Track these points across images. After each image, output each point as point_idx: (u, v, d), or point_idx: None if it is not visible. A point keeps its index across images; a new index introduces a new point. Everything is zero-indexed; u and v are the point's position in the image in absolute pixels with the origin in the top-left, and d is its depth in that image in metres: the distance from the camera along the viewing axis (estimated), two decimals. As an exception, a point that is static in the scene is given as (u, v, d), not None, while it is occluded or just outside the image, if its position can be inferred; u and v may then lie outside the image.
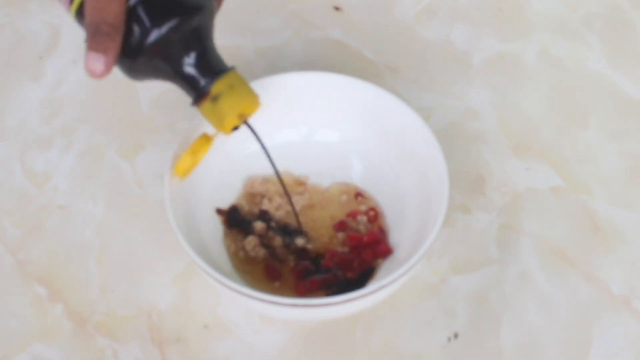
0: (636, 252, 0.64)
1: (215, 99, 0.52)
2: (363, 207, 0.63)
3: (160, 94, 0.72)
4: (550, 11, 0.79)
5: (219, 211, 0.62)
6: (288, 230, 0.61)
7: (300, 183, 0.64)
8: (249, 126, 0.55)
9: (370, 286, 0.53)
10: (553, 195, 0.66)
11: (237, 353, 0.58)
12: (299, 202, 0.63)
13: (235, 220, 0.61)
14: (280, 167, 0.65)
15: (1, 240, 0.64)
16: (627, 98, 0.73)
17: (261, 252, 0.60)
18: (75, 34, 0.77)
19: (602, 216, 0.65)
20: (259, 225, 0.61)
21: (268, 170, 0.64)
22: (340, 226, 0.62)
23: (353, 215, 0.62)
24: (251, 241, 0.60)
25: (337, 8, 0.78)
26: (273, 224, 0.61)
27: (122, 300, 0.61)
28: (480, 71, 0.74)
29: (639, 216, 0.65)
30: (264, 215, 0.62)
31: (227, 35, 0.76)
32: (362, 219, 0.62)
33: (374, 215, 0.62)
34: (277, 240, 0.61)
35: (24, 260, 0.63)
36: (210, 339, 0.59)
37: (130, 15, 0.49)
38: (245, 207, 0.63)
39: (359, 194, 0.63)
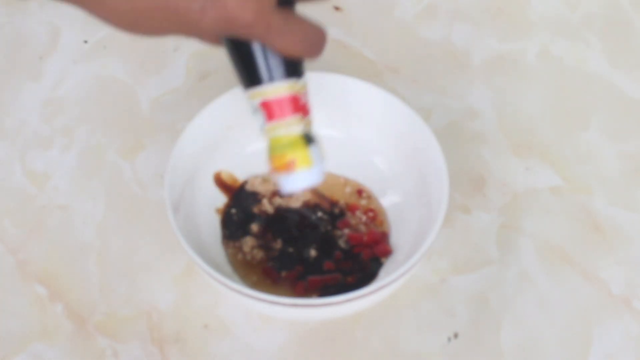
0: (636, 252, 0.64)
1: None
2: (364, 202, 0.63)
3: (160, 94, 0.72)
4: (550, 11, 0.79)
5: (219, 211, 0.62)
6: (296, 238, 0.61)
7: None
8: None
9: (370, 286, 0.53)
10: (553, 195, 0.66)
11: (237, 353, 0.58)
12: (299, 198, 0.63)
13: (231, 224, 0.61)
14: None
15: (1, 240, 0.64)
16: (627, 98, 0.73)
17: (259, 254, 0.60)
18: (75, 34, 0.77)
19: (602, 216, 0.65)
20: (255, 227, 0.61)
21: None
22: (343, 225, 0.62)
23: (352, 209, 0.62)
24: (248, 241, 0.60)
25: (337, 8, 0.78)
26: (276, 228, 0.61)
27: (122, 300, 0.61)
28: (480, 71, 0.74)
29: (639, 216, 0.65)
30: (262, 217, 0.62)
31: (227, 35, 0.77)
32: (362, 217, 0.62)
33: (373, 216, 0.62)
34: (278, 244, 0.61)
35: (24, 260, 0.63)
36: (210, 339, 0.59)
37: None
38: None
39: (361, 191, 0.63)
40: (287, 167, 0.50)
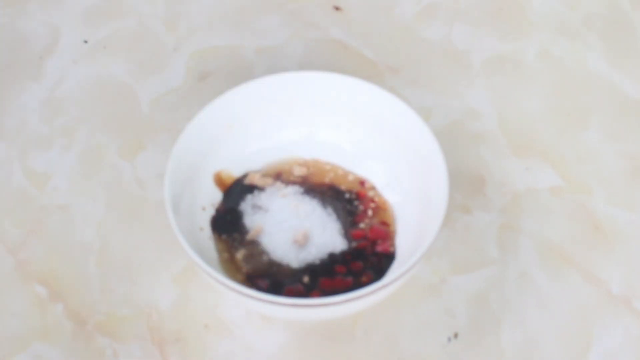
0: (636, 252, 0.64)
1: None
2: (371, 193, 0.63)
3: (160, 94, 0.72)
4: (550, 11, 0.79)
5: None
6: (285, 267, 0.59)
7: (300, 164, 0.64)
8: None
9: (370, 286, 0.53)
10: (553, 195, 0.66)
11: (237, 353, 0.58)
12: (297, 172, 0.63)
13: (223, 221, 0.61)
14: (279, 165, 0.65)
15: (1, 240, 0.64)
16: (627, 98, 0.73)
17: (248, 265, 0.59)
18: (75, 34, 0.77)
19: (602, 216, 0.65)
20: (250, 235, 0.61)
21: (268, 169, 0.64)
22: (359, 219, 0.61)
23: (360, 198, 0.62)
24: (242, 252, 0.60)
25: (337, 8, 0.78)
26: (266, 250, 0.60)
27: (122, 300, 0.61)
28: (480, 71, 0.74)
29: (639, 216, 0.65)
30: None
31: (227, 35, 0.77)
32: (370, 212, 0.62)
33: (375, 208, 0.62)
34: (266, 257, 0.59)
35: (24, 260, 0.63)
36: (210, 339, 0.59)
37: None
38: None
39: (364, 182, 0.63)
40: None
